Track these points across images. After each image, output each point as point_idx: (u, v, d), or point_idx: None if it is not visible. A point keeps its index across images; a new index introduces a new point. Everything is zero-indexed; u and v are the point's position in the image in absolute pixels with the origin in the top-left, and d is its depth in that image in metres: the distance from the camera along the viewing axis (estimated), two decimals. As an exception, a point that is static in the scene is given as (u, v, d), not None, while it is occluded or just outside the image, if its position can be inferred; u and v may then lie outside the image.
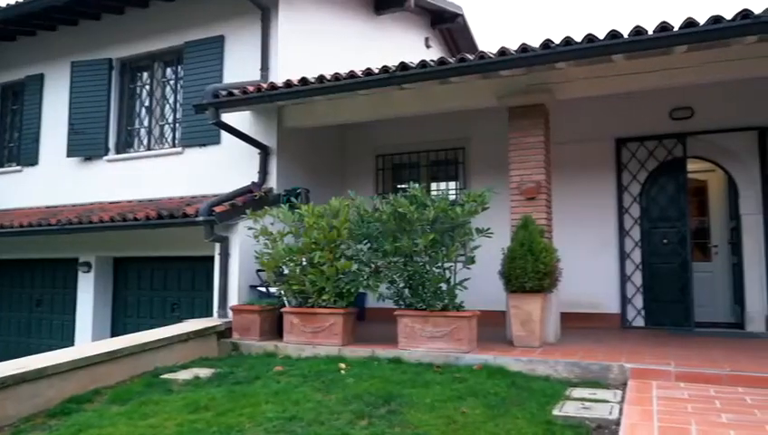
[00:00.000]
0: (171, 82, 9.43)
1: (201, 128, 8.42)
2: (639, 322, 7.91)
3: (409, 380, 5.04)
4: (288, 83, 7.12)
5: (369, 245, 6.45)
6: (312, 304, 6.44)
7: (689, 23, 5.29)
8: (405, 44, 11.65)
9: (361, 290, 6.52)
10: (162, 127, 9.44)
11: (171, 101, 9.39)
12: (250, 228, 6.86)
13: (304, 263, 6.54)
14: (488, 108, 7.14)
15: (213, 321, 7.03)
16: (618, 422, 3.89)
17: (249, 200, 7.57)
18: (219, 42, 8.66)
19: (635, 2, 30.79)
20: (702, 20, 5.27)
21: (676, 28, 5.35)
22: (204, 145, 8.64)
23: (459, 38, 13.70)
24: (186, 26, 8.95)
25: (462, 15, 12.96)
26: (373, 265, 6.32)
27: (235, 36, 8.60)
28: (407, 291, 6.14)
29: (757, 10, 5.07)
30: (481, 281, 6.35)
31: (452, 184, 9.30)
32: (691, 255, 7.78)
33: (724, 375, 4.80)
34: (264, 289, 7.26)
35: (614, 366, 5.09)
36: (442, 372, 5.31)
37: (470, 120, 8.57)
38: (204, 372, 5.61)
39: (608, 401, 4.43)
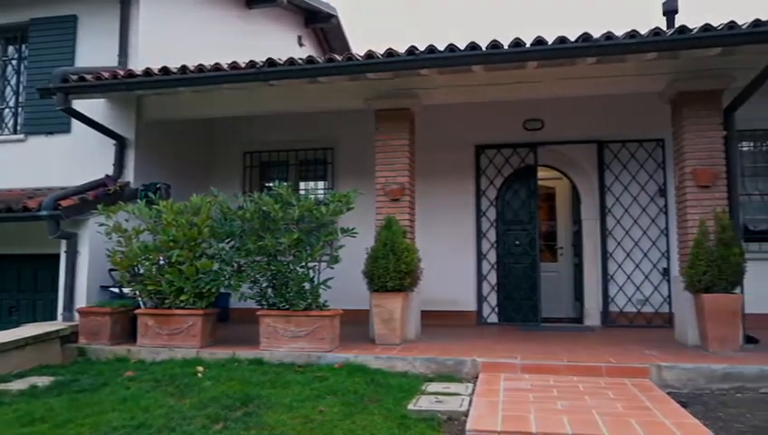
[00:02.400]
0: (14, 62, 8.55)
1: (48, 114, 7.71)
2: (494, 318, 8.42)
3: (269, 381, 4.97)
4: (148, 72, 6.74)
5: (231, 243, 6.28)
6: (170, 306, 6.15)
7: (539, 41, 5.72)
8: (277, 41, 11.49)
9: (223, 290, 6.34)
10: (2, 111, 8.52)
11: (13, 82, 8.51)
12: (102, 225, 6.40)
13: (162, 262, 6.23)
14: (357, 110, 7.24)
15: (56, 325, 6.47)
16: (467, 414, 4.10)
17: (102, 195, 7.06)
18: (71, 21, 8.00)
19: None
20: (551, 39, 5.73)
21: (528, 45, 5.76)
22: (51, 133, 7.93)
23: (333, 39, 13.77)
24: (31, 1, 8.16)
25: (336, 17, 13.03)
26: (236, 265, 6.17)
27: (91, 18, 7.98)
28: (270, 290, 6.06)
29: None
30: (349, 280, 6.41)
31: (321, 184, 9.31)
32: (540, 256, 8.42)
33: (562, 366, 5.24)
34: (117, 290, 6.81)
35: (467, 361, 5.36)
36: (303, 372, 5.29)
37: (339, 122, 8.64)
38: (43, 381, 5.15)
39: (460, 395, 4.65)
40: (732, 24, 5.39)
